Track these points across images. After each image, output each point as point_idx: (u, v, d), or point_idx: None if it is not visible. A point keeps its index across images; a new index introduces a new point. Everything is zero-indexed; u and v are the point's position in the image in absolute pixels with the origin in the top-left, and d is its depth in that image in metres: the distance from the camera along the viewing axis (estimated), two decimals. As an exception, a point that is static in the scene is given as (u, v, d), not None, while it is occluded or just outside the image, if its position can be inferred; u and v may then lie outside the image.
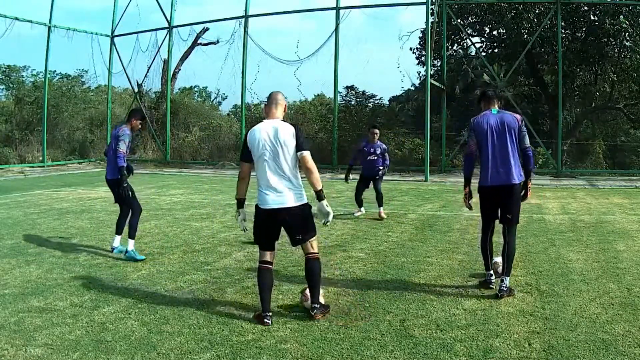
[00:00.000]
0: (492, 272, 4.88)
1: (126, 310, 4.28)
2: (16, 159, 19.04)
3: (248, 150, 4.11)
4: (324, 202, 4.10)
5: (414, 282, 5.07)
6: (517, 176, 4.66)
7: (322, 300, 4.23)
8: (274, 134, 4.05)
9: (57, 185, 13.33)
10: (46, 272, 5.36)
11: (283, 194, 4.04)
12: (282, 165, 4.05)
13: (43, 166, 19.02)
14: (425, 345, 3.61)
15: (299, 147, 4.07)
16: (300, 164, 4.11)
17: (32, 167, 18.77)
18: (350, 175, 9.02)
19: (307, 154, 4.08)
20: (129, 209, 6.16)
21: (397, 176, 15.90)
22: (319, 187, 4.05)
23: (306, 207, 4.14)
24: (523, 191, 4.77)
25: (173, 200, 10.75)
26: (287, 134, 4.06)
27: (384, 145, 9.01)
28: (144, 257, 5.91)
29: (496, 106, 4.82)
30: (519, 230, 5.31)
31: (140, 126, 6.27)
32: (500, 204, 4.73)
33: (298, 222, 4.11)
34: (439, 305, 4.40)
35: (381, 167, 8.81)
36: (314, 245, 4.20)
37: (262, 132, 4.08)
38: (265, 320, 3.98)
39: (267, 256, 4.16)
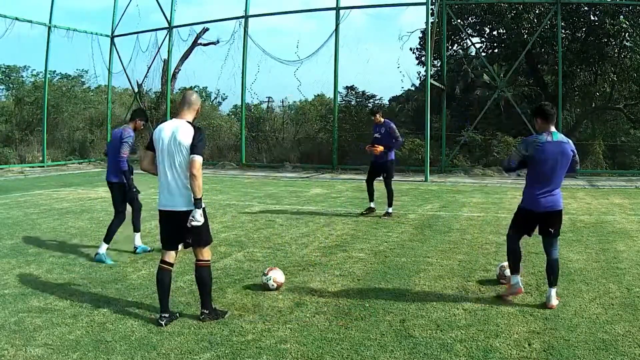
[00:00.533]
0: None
1: (126, 310, 4.28)
2: (16, 159, 19.01)
3: None
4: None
5: (414, 282, 5.07)
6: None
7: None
8: None
9: (57, 185, 13.33)
10: (46, 272, 5.36)
11: None
12: None
13: (43, 166, 19.01)
14: (425, 345, 3.61)
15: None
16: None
17: (32, 167, 18.76)
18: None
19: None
20: (116, 210, 6.15)
21: (397, 176, 15.86)
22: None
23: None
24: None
25: (173, 200, 10.74)
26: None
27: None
28: (114, 262, 5.76)
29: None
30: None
31: (143, 127, 6.30)
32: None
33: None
34: (439, 305, 4.40)
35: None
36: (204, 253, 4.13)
37: None
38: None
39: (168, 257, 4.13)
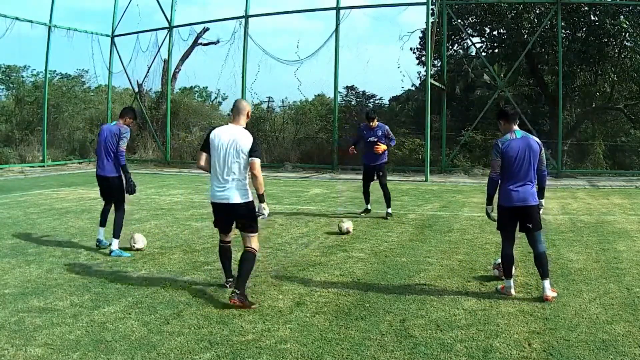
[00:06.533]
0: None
1: (126, 310, 4.28)
2: (16, 158, 18.99)
3: None
4: None
5: (414, 282, 5.08)
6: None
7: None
8: None
9: (57, 185, 13.32)
10: (46, 272, 5.36)
11: None
12: None
13: (43, 166, 19.00)
14: (425, 345, 3.61)
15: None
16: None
17: (32, 167, 18.75)
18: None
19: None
20: (119, 204, 6.30)
21: (397, 176, 15.89)
22: None
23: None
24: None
25: (173, 200, 10.75)
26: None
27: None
28: (129, 254, 6.05)
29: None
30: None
31: (132, 125, 6.39)
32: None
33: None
34: (439, 305, 4.40)
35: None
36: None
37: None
38: None
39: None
